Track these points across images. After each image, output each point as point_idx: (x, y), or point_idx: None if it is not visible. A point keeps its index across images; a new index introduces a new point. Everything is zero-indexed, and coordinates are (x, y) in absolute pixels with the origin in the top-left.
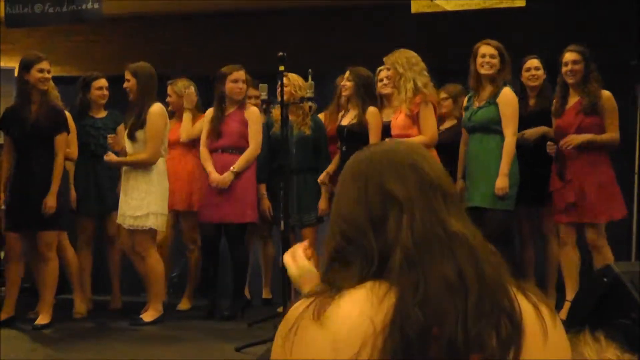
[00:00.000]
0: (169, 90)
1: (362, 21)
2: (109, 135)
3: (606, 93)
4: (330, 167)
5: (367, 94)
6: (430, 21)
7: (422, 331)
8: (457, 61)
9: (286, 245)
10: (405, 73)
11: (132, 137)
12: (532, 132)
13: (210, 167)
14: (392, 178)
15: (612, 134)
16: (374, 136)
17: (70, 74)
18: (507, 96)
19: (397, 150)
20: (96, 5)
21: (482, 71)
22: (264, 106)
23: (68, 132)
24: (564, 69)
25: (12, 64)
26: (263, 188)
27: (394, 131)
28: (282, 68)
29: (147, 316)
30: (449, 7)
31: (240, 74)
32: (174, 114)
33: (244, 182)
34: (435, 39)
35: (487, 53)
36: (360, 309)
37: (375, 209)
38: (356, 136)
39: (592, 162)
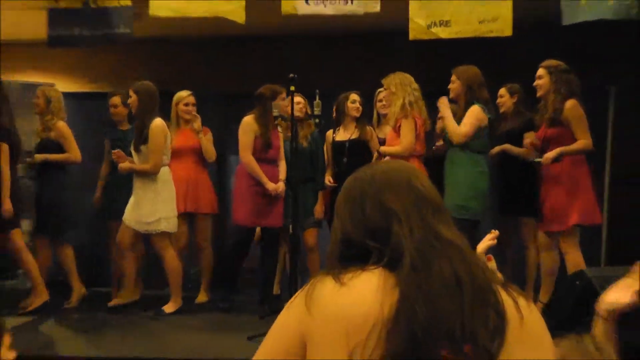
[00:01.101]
0: None
1: (364, 46)
2: (113, 151)
3: (569, 103)
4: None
5: (365, 115)
6: (427, 47)
7: (426, 325)
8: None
9: (295, 246)
10: (397, 92)
11: (137, 149)
12: (493, 150)
13: (265, 177)
14: (390, 195)
15: (581, 142)
16: (374, 150)
17: (103, 90)
18: (468, 111)
19: (394, 169)
20: (127, 30)
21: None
22: (276, 122)
23: (8, 143)
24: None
25: (53, 80)
26: None
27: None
28: (292, 88)
29: (169, 307)
30: (444, 35)
31: (284, 94)
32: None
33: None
34: (431, 63)
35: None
36: (373, 292)
37: (374, 222)
38: (359, 149)
39: (563, 171)
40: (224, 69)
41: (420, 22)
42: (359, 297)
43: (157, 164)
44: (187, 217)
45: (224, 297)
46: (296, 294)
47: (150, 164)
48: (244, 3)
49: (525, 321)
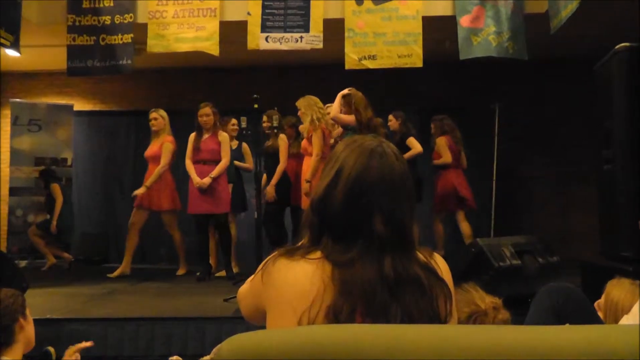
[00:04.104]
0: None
1: (311, 74)
2: None
3: (439, 139)
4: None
5: (279, 128)
6: (358, 74)
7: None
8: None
9: (259, 228)
10: (305, 111)
11: None
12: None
13: (193, 174)
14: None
15: (443, 159)
16: (282, 155)
17: (111, 109)
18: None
19: None
20: (129, 62)
21: None
22: (244, 132)
23: None
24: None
25: (72, 101)
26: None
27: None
28: (256, 106)
29: None
30: (371, 65)
31: (204, 111)
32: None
33: (220, 184)
34: (360, 88)
35: None
36: (312, 272)
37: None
38: (271, 154)
39: (439, 174)
40: (204, 92)
41: (353, 56)
42: (301, 275)
43: None
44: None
45: (205, 269)
46: (257, 269)
47: None
48: (217, 40)
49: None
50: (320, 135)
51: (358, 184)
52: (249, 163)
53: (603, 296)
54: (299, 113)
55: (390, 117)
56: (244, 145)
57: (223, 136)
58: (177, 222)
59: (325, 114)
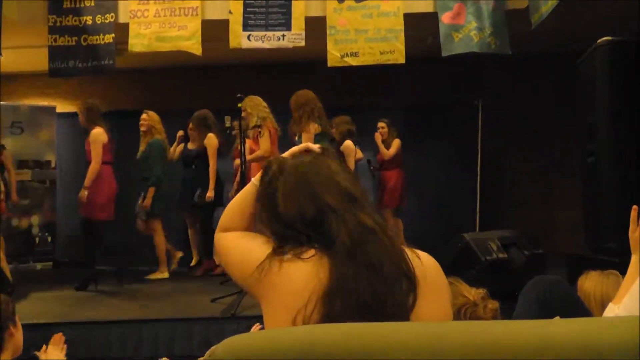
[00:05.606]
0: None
1: (293, 71)
2: None
3: (395, 140)
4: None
5: (206, 127)
6: (341, 72)
7: (357, 297)
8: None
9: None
10: (251, 112)
11: None
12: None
13: None
14: (325, 192)
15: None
16: (212, 157)
17: None
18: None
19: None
20: (111, 62)
21: None
22: (228, 131)
23: None
24: None
25: (54, 103)
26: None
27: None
28: (240, 105)
29: None
30: (354, 62)
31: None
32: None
33: (93, 187)
34: (342, 85)
35: None
36: (309, 269)
37: (309, 213)
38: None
39: (384, 173)
40: (187, 91)
41: (336, 54)
42: (296, 274)
43: None
44: None
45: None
46: (263, 261)
47: None
48: (200, 39)
49: (427, 271)
50: (267, 134)
51: (303, 192)
52: None
53: (578, 293)
54: (243, 114)
55: (333, 124)
56: None
57: (91, 135)
58: None
59: (269, 113)
